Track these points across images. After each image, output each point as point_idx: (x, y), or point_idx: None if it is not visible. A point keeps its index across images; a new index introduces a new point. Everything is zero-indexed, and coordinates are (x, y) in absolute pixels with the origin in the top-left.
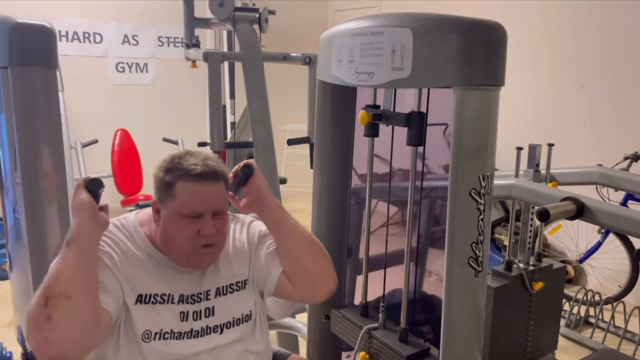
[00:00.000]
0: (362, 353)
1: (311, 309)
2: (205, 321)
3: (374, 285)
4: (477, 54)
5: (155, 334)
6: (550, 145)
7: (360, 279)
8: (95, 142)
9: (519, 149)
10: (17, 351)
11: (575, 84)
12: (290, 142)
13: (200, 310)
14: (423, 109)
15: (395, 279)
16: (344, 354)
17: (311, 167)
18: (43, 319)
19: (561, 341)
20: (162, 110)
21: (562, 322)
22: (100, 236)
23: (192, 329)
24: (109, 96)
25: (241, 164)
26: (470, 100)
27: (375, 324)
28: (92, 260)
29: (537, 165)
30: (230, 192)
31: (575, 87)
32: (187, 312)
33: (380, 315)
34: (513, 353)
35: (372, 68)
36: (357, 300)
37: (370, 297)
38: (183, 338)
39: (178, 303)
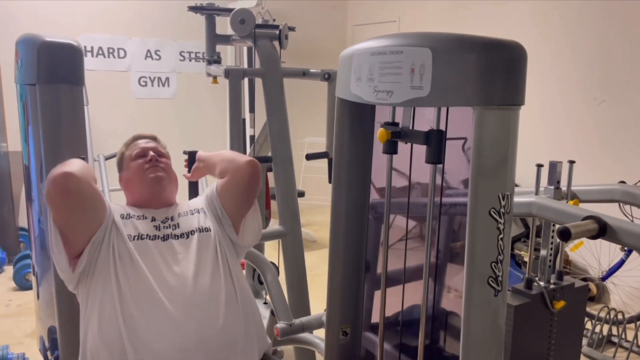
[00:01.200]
0: None
1: (328, 325)
2: (173, 230)
3: (392, 301)
4: (496, 73)
5: (135, 236)
6: (572, 162)
7: (378, 295)
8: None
9: (539, 165)
10: None
11: (596, 99)
12: (309, 157)
13: (169, 225)
14: (442, 127)
15: (414, 294)
16: None
17: (329, 182)
18: (60, 166)
19: None
20: (182, 123)
21: (584, 341)
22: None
23: (164, 235)
24: (132, 110)
25: (186, 155)
26: (490, 119)
27: (394, 341)
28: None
29: (558, 182)
30: (185, 174)
31: (597, 103)
32: (159, 225)
33: (398, 331)
34: None
35: (391, 87)
36: (375, 315)
37: (389, 313)
38: (157, 239)
39: (151, 221)
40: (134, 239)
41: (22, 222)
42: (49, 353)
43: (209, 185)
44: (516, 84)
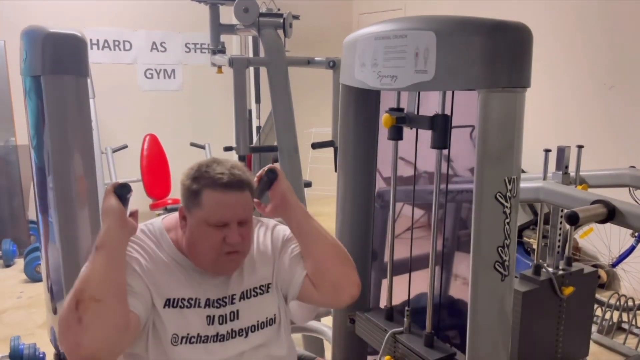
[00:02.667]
0: (387, 357)
1: (336, 313)
2: (230, 325)
3: (400, 289)
4: (501, 55)
5: (183, 337)
6: (580, 147)
7: (385, 283)
8: (125, 147)
9: (547, 151)
10: (50, 352)
11: (606, 84)
12: (315, 145)
13: (226, 314)
14: (447, 112)
15: (421, 282)
16: (370, 358)
17: (335, 171)
18: (74, 321)
19: (593, 347)
20: (189, 115)
21: (594, 327)
22: (127, 241)
23: (217, 333)
24: (138, 102)
25: (265, 168)
26: (495, 102)
27: (401, 328)
28: (120, 264)
29: (566, 167)
30: (255, 199)
31: (606, 88)
32: (214, 316)
33: (405, 319)
34: (543, 358)
35: (395, 71)
36: (382, 303)
37: (396, 301)
38: (209, 342)
39: (204, 307)
40: (179, 342)
41: (32, 215)
42: (59, 345)
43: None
44: (522, 66)
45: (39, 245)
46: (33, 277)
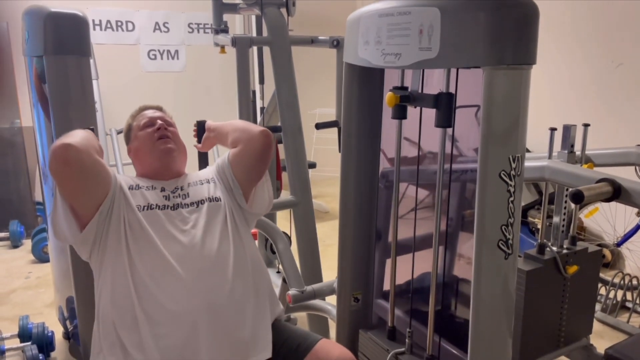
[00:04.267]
0: None
1: (340, 292)
2: (182, 200)
3: (404, 269)
4: (507, 32)
5: (144, 206)
6: (586, 125)
7: (390, 263)
8: None
9: (553, 129)
10: (58, 331)
11: (613, 62)
12: (319, 126)
13: (178, 194)
14: (452, 90)
15: (426, 262)
16: None
17: (339, 151)
18: (61, 137)
19: (596, 326)
20: (193, 96)
21: (598, 306)
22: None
23: (174, 204)
24: (142, 83)
25: (195, 124)
26: (500, 80)
27: (402, 349)
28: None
29: (572, 146)
30: (195, 144)
31: (614, 66)
32: (168, 195)
33: (407, 340)
34: (546, 337)
35: (399, 49)
36: (387, 285)
37: (400, 281)
38: (167, 209)
39: (161, 191)
40: (143, 209)
41: (39, 196)
42: (68, 322)
43: (220, 156)
44: (527, 42)
45: (45, 226)
46: (41, 257)
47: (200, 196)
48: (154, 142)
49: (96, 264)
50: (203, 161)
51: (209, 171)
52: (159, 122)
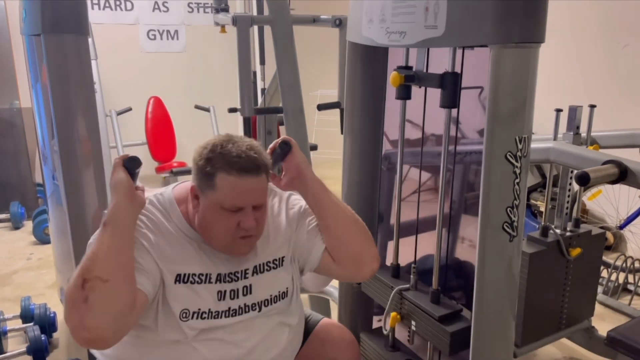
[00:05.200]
0: (394, 314)
1: None
2: (242, 300)
3: (406, 251)
4: (515, 9)
5: (194, 313)
6: (592, 106)
7: (391, 244)
8: (129, 110)
9: (558, 110)
10: (60, 311)
11: (620, 42)
12: (320, 107)
13: (238, 289)
14: (457, 70)
15: (428, 245)
16: (375, 318)
17: (342, 133)
18: (80, 301)
19: (598, 308)
20: (193, 77)
21: (600, 289)
22: (136, 216)
23: (229, 308)
24: (141, 64)
25: (278, 140)
26: (508, 58)
27: (407, 285)
28: (128, 241)
29: (578, 127)
30: (272, 172)
31: (620, 47)
32: (225, 291)
33: (411, 276)
34: (548, 319)
35: (404, 27)
36: (388, 262)
37: (402, 262)
38: (221, 317)
39: (215, 282)
40: (190, 317)
41: (39, 177)
42: (65, 321)
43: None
44: (536, 20)
45: (46, 207)
46: (42, 239)
47: (266, 293)
48: (234, 238)
49: None
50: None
51: (286, 238)
52: (250, 216)
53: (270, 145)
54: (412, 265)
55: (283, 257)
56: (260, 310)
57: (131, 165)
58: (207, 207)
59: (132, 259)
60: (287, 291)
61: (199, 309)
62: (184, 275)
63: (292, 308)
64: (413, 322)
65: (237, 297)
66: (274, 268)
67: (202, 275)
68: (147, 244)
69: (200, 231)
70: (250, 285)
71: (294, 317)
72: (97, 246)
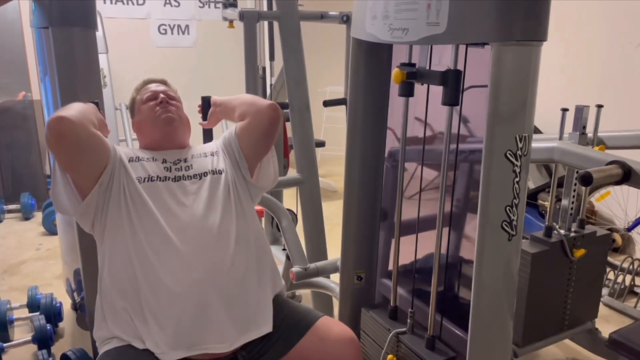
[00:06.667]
0: (390, 356)
1: (343, 270)
2: (185, 172)
3: (408, 249)
4: (517, 6)
5: (145, 178)
6: (599, 106)
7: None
8: None
9: (565, 110)
10: (66, 302)
11: (632, 42)
12: (326, 103)
13: (181, 166)
14: (460, 67)
15: (432, 243)
16: None
17: None
18: (58, 112)
19: (603, 310)
20: (203, 71)
21: (605, 291)
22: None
23: (175, 176)
24: (152, 58)
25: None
26: (509, 56)
27: (404, 329)
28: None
29: (584, 127)
30: (202, 122)
31: (633, 46)
32: (170, 166)
33: (408, 320)
34: (551, 319)
35: (406, 24)
36: (391, 264)
37: (405, 261)
38: (168, 180)
39: (162, 162)
40: (143, 181)
41: (50, 169)
42: (75, 294)
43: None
44: (538, 17)
45: None
46: (51, 230)
47: (204, 168)
48: (155, 113)
49: (98, 235)
50: (208, 137)
51: (215, 144)
52: (162, 95)
53: (198, 106)
54: (409, 310)
55: (215, 151)
56: (200, 178)
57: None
58: (137, 115)
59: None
60: (223, 169)
61: (149, 175)
62: (136, 157)
63: (231, 191)
64: None
65: (181, 170)
66: (210, 156)
67: (150, 158)
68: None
69: (141, 136)
70: (191, 165)
71: (233, 199)
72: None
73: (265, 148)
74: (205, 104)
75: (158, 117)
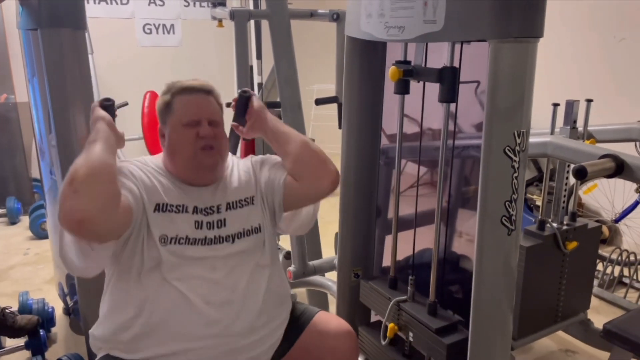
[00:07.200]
0: (391, 325)
1: (341, 267)
2: (217, 231)
3: (403, 245)
4: (513, 3)
5: (171, 238)
6: (589, 101)
7: (389, 240)
8: (126, 104)
9: (555, 105)
10: (58, 307)
11: (615, 37)
12: (318, 101)
13: (213, 221)
14: (456, 65)
15: (425, 238)
16: (373, 312)
17: (339, 127)
18: (70, 192)
19: (594, 301)
20: (189, 71)
21: (595, 282)
22: (116, 147)
23: (205, 237)
24: (137, 58)
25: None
26: (506, 53)
27: (404, 297)
28: (112, 153)
29: (575, 122)
30: (233, 123)
31: (616, 41)
32: (201, 222)
33: (409, 288)
34: (544, 312)
35: (403, 22)
36: (386, 261)
37: (400, 257)
38: (197, 244)
39: (192, 213)
40: (169, 242)
41: (36, 172)
42: (68, 298)
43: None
44: (534, 15)
45: (43, 202)
46: (39, 234)
47: (239, 226)
48: (195, 150)
49: (109, 267)
50: (233, 144)
51: (251, 179)
52: (207, 127)
53: (232, 100)
54: (410, 277)
55: (252, 197)
56: (233, 241)
57: (107, 103)
58: (170, 133)
59: (115, 167)
60: (259, 227)
61: (177, 235)
62: (163, 204)
63: (265, 249)
64: (410, 334)
65: (213, 228)
66: (245, 205)
67: (180, 206)
68: (130, 174)
69: (170, 161)
70: (224, 219)
71: (266, 258)
72: (83, 155)
73: (311, 205)
74: (243, 104)
75: (198, 159)
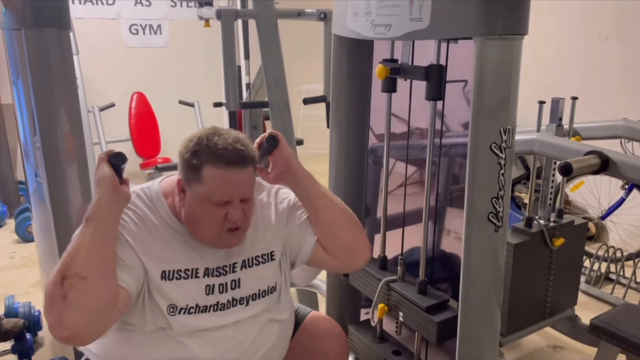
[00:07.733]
0: (381, 305)
1: None
2: (231, 293)
3: (393, 243)
4: (498, 1)
5: (181, 309)
6: (574, 98)
7: (378, 237)
8: (112, 105)
9: (541, 103)
10: None
11: (600, 35)
12: (306, 101)
13: (226, 283)
14: (442, 62)
15: (414, 237)
16: (363, 311)
17: (327, 127)
18: (59, 298)
19: (581, 297)
20: (177, 72)
21: (582, 278)
22: (120, 212)
23: (218, 302)
24: (124, 59)
25: (265, 134)
26: (492, 50)
27: (394, 277)
28: (111, 237)
29: (560, 119)
30: (259, 166)
31: (601, 39)
32: (213, 286)
33: (398, 268)
34: (532, 309)
35: (389, 20)
36: (376, 254)
37: (389, 255)
38: (209, 311)
39: (203, 276)
40: (178, 312)
41: (21, 175)
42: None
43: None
44: (519, 11)
45: (28, 205)
46: (25, 237)
47: (255, 287)
48: (221, 231)
49: None
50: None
51: (280, 230)
52: (238, 208)
53: (257, 140)
54: (400, 257)
55: (273, 252)
56: (247, 304)
57: (116, 161)
58: (194, 201)
59: (114, 255)
60: (275, 286)
61: (187, 305)
62: (170, 272)
63: (281, 303)
64: (401, 313)
65: (226, 291)
66: (262, 262)
67: (189, 270)
68: (132, 239)
69: (187, 225)
70: (239, 279)
71: (283, 312)
72: (77, 242)
73: None
74: (269, 148)
75: (223, 240)
